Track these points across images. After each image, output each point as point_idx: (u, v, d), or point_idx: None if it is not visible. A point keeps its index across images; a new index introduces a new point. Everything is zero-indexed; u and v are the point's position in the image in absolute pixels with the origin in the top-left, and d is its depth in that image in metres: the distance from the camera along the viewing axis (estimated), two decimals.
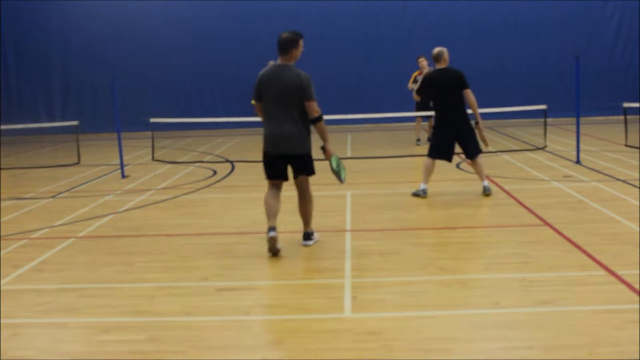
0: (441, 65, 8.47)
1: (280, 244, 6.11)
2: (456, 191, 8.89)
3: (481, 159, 8.58)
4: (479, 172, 8.59)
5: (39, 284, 5.63)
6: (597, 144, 13.25)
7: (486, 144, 8.71)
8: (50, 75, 20.77)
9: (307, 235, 6.50)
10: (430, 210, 8.00)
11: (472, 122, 8.52)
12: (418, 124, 14.98)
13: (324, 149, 6.32)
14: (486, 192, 8.44)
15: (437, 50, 8.49)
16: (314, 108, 6.06)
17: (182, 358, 4.10)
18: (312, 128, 6.23)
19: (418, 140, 14.87)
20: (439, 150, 8.52)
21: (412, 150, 13.63)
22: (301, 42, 6.13)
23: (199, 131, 19.12)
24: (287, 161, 6.22)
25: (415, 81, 14.71)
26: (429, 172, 8.58)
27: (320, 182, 10.35)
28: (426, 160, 8.61)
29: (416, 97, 8.90)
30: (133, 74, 19.59)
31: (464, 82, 8.33)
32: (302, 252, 6.31)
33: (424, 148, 13.89)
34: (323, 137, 6.27)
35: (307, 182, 6.36)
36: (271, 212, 6.17)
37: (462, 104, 8.40)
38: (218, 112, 19.15)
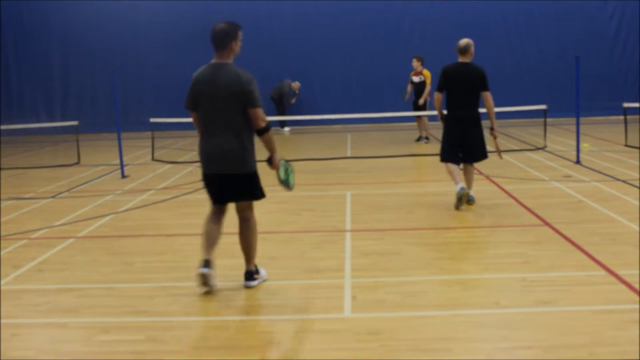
0: (465, 60, 7.78)
1: (216, 280, 5.20)
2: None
3: (473, 166, 8.08)
4: (468, 179, 7.96)
5: (39, 284, 5.63)
6: (597, 144, 13.23)
7: (500, 155, 8.19)
8: (50, 75, 20.74)
9: (250, 275, 5.34)
10: (430, 210, 8.00)
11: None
12: (419, 123, 14.98)
13: (270, 161, 5.24)
14: (469, 202, 7.90)
15: (464, 42, 7.78)
16: (260, 117, 5.00)
17: (182, 358, 4.11)
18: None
19: (422, 138, 14.87)
20: (448, 152, 7.91)
21: (412, 150, 13.61)
22: (240, 34, 5.13)
23: None
24: (229, 182, 5.17)
25: (411, 82, 14.73)
26: (453, 173, 7.86)
27: (320, 182, 10.44)
28: (445, 165, 7.98)
29: (437, 96, 7.97)
30: (133, 73, 19.56)
31: (485, 82, 7.71)
32: (302, 252, 6.31)
33: (425, 147, 13.93)
34: (270, 149, 5.20)
35: (250, 208, 5.31)
36: (209, 241, 5.20)
37: (476, 104, 7.81)
38: None
